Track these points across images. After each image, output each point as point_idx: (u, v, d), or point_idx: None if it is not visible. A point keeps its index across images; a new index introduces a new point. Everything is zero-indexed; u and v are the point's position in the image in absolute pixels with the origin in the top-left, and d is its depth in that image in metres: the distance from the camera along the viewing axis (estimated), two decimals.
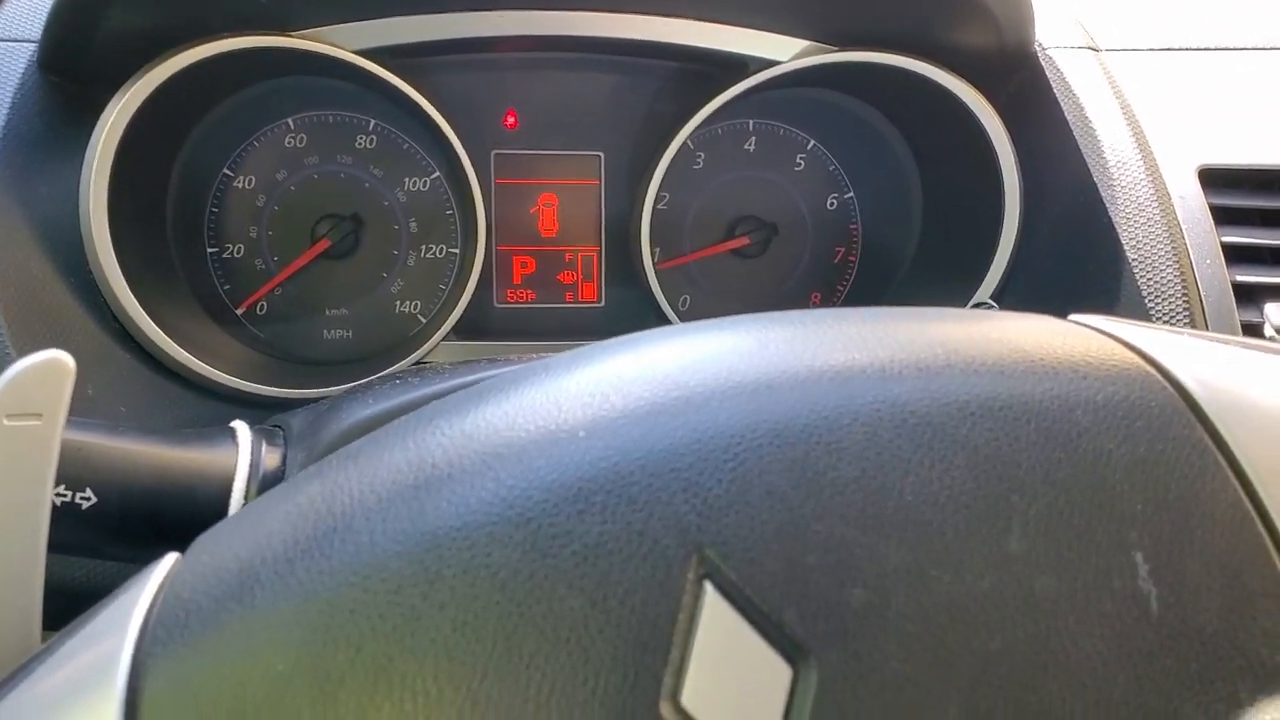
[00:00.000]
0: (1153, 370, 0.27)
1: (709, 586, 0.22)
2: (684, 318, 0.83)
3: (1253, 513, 0.25)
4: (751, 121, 0.85)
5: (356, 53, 0.68)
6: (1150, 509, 0.25)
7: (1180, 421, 0.26)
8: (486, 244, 0.76)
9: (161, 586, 0.25)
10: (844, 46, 0.73)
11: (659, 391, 0.26)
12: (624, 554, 0.23)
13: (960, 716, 0.22)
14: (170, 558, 0.26)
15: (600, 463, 0.24)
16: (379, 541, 0.23)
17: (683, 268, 0.86)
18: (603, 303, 0.85)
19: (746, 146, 0.85)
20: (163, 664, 0.22)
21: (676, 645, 0.22)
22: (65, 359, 0.30)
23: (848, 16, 0.71)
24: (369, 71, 0.68)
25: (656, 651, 0.22)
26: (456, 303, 0.75)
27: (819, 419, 0.25)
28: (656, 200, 0.79)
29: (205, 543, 0.26)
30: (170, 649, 0.23)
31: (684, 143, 0.77)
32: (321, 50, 0.67)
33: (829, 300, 0.88)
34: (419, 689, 0.21)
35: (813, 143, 0.86)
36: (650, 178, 0.77)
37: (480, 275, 0.76)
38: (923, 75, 0.72)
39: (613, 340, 0.29)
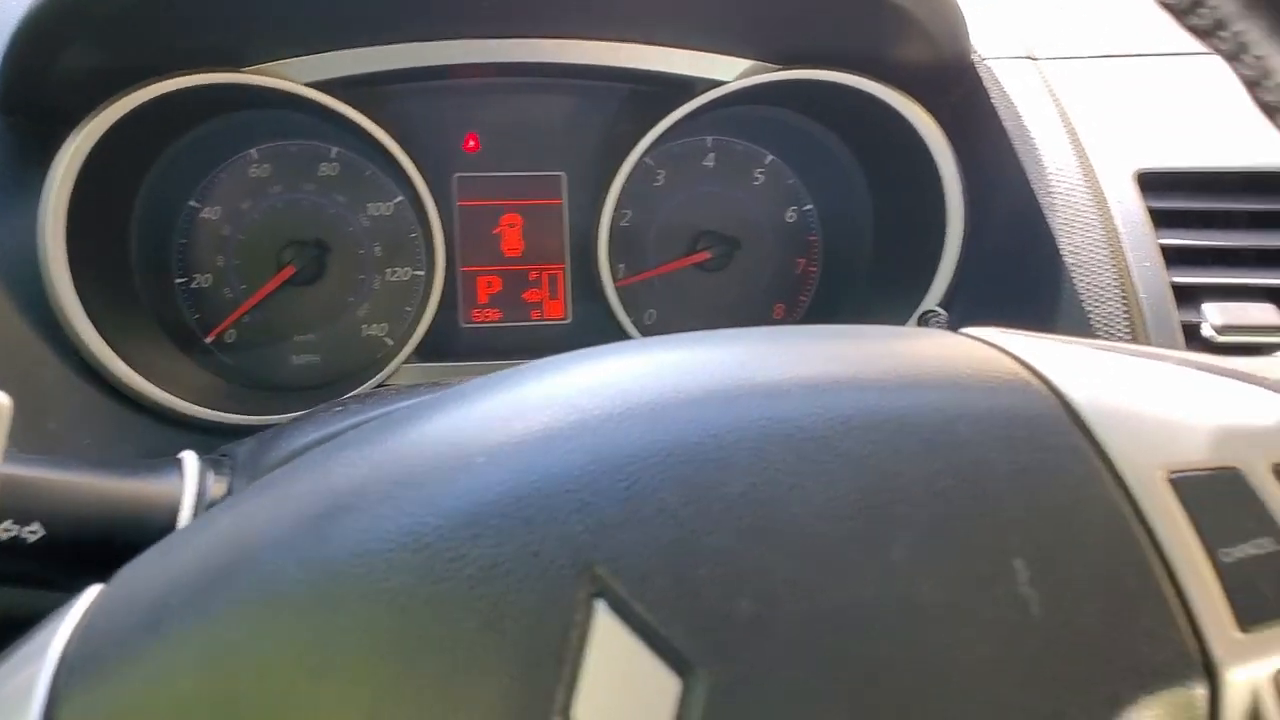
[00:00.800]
0: (1034, 380, 0.28)
1: (600, 604, 0.23)
2: (648, 332, 0.84)
3: (1131, 516, 0.26)
4: (710, 138, 0.86)
5: (311, 85, 0.69)
6: (1030, 516, 0.26)
7: (1060, 429, 0.27)
8: (448, 265, 0.77)
9: (83, 618, 0.25)
10: (787, 65, 0.74)
11: (558, 416, 0.26)
12: (518, 575, 0.23)
13: None
14: (94, 589, 0.27)
15: (497, 487, 0.25)
16: (284, 569, 0.24)
17: (647, 283, 0.87)
18: (569, 319, 0.86)
19: (706, 162, 0.87)
20: (77, 693, 0.23)
21: (568, 662, 0.23)
22: (2, 398, 0.31)
23: (787, 36, 0.72)
24: (322, 104, 0.70)
25: (548, 668, 0.23)
26: (419, 324, 0.76)
27: (709, 437, 0.26)
28: (618, 218, 0.80)
29: (125, 574, 0.27)
30: (85, 678, 0.23)
31: (642, 161, 0.78)
32: (274, 85, 0.68)
33: (793, 310, 0.89)
34: (321, 713, 0.22)
35: (770, 157, 0.87)
36: (607, 196, 0.78)
37: (443, 296, 0.76)
38: (863, 90, 0.73)
39: (522, 366, 0.30)
